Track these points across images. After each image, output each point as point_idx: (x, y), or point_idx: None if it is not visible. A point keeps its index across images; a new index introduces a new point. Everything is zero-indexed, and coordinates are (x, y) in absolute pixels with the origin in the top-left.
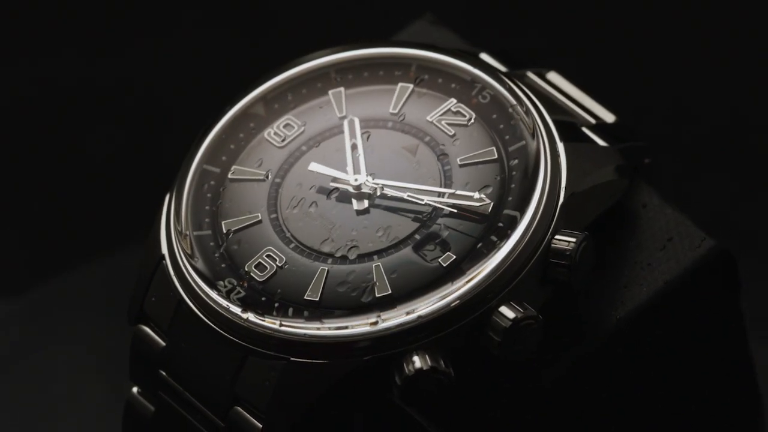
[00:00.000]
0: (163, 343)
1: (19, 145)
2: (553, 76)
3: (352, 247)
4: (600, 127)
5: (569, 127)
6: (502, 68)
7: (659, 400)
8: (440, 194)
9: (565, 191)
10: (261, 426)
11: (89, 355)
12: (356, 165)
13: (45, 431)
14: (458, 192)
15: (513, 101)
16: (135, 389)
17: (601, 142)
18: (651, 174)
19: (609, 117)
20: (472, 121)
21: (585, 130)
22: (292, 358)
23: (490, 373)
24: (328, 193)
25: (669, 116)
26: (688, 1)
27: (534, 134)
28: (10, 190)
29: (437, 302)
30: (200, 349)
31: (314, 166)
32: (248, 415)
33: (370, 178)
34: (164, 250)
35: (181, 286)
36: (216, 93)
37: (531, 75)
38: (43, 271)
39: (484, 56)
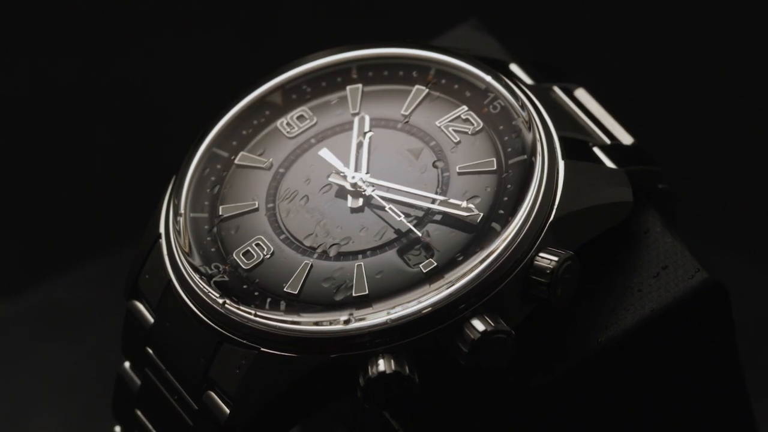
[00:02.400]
0: (152, 321)
1: (19, 145)
2: (579, 93)
3: (333, 245)
4: (614, 148)
5: (579, 145)
6: (529, 80)
7: (645, 424)
8: (433, 200)
9: (558, 209)
10: (228, 412)
11: (87, 355)
12: (359, 162)
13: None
14: (448, 200)
15: (520, 114)
16: (127, 363)
17: (610, 164)
18: (662, 199)
19: (627, 139)
20: (479, 130)
21: (596, 149)
22: (262, 349)
23: (463, 382)
24: (321, 187)
25: (669, 116)
26: (688, 1)
27: (533, 149)
28: (9, 190)
29: (409, 307)
30: (182, 330)
31: (325, 152)
32: (219, 401)
33: (366, 177)
34: (161, 229)
35: (170, 266)
36: (216, 94)
37: (557, 89)
38: (41, 271)
39: (514, 67)
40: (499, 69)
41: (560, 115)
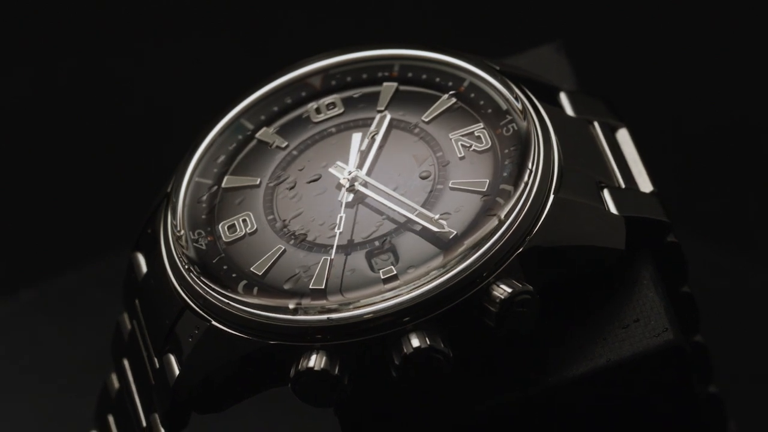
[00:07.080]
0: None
1: (19, 145)
2: (620, 133)
3: (301, 234)
4: (626, 192)
5: (585, 182)
6: (571, 111)
7: None
8: (414, 210)
9: (530, 241)
10: (176, 377)
11: (87, 355)
12: (362, 159)
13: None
14: (423, 212)
15: (521, 141)
16: (126, 314)
17: (612, 208)
18: (669, 252)
19: (647, 187)
20: (486, 149)
21: (606, 191)
22: (213, 323)
23: (401, 392)
24: (311, 177)
25: (669, 117)
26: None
27: (518, 178)
28: (9, 190)
29: (352, 311)
30: (159, 290)
31: (355, 138)
32: (174, 364)
33: (361, 175)
34: (169, 188)
35: (162, 226)
36: (217, 95)
37: (596, 125)
38: (41, 271)
39: (562, 95)
40: (546, 96)
41: (581, 150)
